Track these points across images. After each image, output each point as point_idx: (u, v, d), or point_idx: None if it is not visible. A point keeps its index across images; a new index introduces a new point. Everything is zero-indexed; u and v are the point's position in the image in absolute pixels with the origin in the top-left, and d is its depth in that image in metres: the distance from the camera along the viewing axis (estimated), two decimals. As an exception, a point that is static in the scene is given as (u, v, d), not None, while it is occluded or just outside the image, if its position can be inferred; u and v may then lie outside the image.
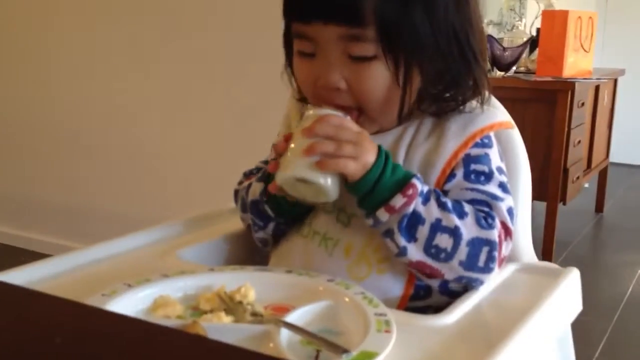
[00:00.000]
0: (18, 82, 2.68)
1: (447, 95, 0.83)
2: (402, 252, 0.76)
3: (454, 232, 0.76)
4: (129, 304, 0.70)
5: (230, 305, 0.70)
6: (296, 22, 0.79)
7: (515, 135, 0.95)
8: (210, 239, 0.96)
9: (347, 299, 0.72)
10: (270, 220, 0.87)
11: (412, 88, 0.80)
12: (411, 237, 0.76)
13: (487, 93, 0.84)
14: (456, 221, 0.76)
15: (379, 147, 0.77)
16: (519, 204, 0.94)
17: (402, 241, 0.76)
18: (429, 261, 0.77)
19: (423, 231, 0.75)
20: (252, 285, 0.73)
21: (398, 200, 0.75)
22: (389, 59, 0.77)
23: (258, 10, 2.10)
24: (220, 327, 0.66)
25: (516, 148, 0.95)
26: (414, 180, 0.76)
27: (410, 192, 0.75)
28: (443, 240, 0.76)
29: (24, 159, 2.74)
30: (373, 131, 0.82)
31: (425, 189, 0.77)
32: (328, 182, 0.74)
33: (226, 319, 0.67)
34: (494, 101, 0.92)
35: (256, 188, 0.87)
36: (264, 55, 2.08)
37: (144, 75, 2.41)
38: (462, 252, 0.76)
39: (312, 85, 0.81)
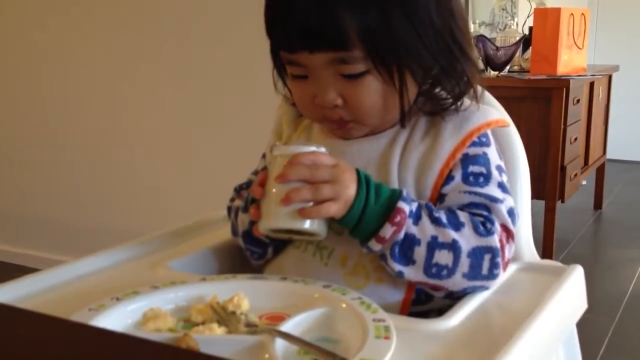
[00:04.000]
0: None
1: (440, 90, 0.81)
2: (399, 275, 0.75)
3: (453, 246, 0.73)
4: (118, 318, 0.67)
5: (223, 315, 0.67)
6: (283, 50, 0.78)
7: (513, 134, 0.94)
8: (201, 248, 0.93)
9: (344, 305, 0.69)
10: (268, 246, 0.85)
11: (408, 91, 0.79)
12: (408, 260, 0.74)
13: (479, 87, 0.82)
14: (453, 234, 0.74)
15: (358, 173, 0.74)
16: (519, 202, 0.92)
17: (396, 266, 0.74)
18: (431, 281, 0.75)
19: (420, 252, 0.73)
20: (245, 294, 0.71)
21: (387, 230, 0.73)
22: (382, 71, 0.76)
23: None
24: (213, 339, 0.63)
25: (515, 147, 0.94)
26: (401, 204, 0.73)
27: (397, 218, 0.73)
28: (443, 257, 0.73)
29: (10, 173, 2.72)
30: (364, 134, 0.81)
31: (415, 207, 0.74)
32: (314, 226, 0.73)
33: (219, 331, 0.65)
34: (490, 99, 0.90)
35: (244, 219, 0.84)
36: (256, 62, 2.06)
37: (131, 85, 2.38)
38: (464, 264, 0.74)
39: (309, 103, 0.80)
